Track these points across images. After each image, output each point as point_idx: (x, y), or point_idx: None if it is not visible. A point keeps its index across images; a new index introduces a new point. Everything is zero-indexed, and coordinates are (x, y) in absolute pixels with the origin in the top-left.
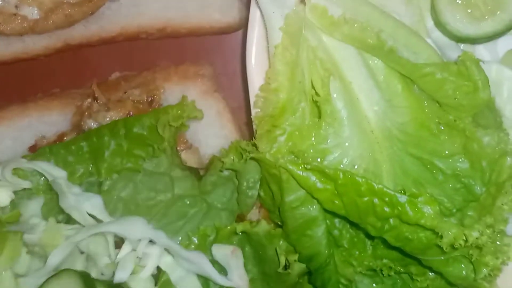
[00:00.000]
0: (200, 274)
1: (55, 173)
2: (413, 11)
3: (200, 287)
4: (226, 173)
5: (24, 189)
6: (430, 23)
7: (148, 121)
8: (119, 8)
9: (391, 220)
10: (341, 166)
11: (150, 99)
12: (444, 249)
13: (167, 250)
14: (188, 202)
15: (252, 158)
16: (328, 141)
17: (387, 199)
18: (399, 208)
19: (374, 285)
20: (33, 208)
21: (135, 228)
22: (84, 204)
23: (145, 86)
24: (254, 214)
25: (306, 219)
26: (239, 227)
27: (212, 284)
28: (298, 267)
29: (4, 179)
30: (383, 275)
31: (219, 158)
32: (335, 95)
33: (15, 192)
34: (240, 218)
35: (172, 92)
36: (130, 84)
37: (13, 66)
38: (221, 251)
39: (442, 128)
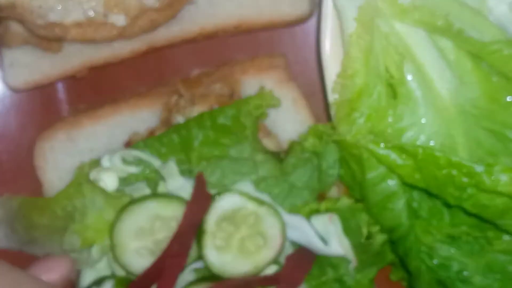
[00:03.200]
0: (300, 242)
1: (154, 161)
2: None
3: None
4: (305, 155)
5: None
6: (490, 2)
7: (231, 112)
8: (197, 10)
9: (469, 189)
10: (418, 142)
11: (230, 92)
12: None
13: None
14: (271, 183)
15: (333, 141)
16: (405, 120)
17: (464, 170)
18: (477, 178)
19: (452, 251)
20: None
21: (245, 190)
22: (187, 185)
23: (224, 80)
24: (333, 191)
25: (387, 194)
26: (323, 205)
27: None
28: (380, 237)
29: (114, 165)
30: (461, 241)
31: (299, 142)
32: (409, 77)
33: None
34: (321, 196)
35: (249, 84)
36: (211, 79)
37: (103, 70)
38: (320, 220)
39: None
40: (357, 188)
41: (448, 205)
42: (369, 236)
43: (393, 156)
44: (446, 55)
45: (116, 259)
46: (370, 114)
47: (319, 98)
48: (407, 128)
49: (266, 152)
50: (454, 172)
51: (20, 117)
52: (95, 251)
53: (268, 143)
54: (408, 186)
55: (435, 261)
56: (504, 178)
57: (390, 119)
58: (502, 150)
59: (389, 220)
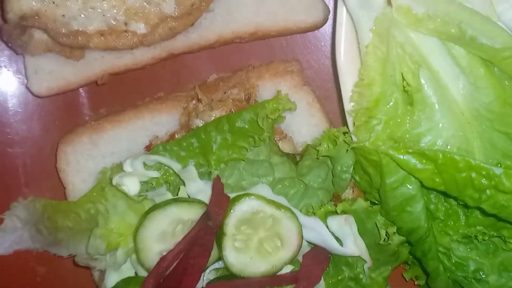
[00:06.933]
0: (316, 242)
1: (173, 166)
2: None
3: None
4: (319, 157)
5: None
6: (499, 7)
7: (248, 115)
8: (214, 18)
9: (488, 191)
10: (436, 146)
11: (247, 97)
12: None
13: None
14: (287, 184)
15: (352, 148)
16: (422, 125)
17: (484, 172)
18: (496, 179)
19: (469, 250)
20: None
21: (262, 192)
22: (206, 188)
23: (241, 85)
24: (347, 193)
25: (406, 197)
26: (340, 207)
27: None
28: (397, 238)
29: (135, 170)
30: (477, 240)
31: (313, 146)
32: (425, 84)
33: None
34: (335, 196)
35: (265, 88)
36: (227, 84)
37: (124, 76)
38: (336, 221)
39: None
40: (374, 193)
41: (464, 206)
42: (386, 237)
43: (413, 161)
44: (459, 62)
45: (140, 262)
46: (388, 121)
47: (333, 101)
48: (425, 133)
49: (282, 154)
50: (474, 174)
51: (43, 122)
52: (119, 254)
53: (284, 146)
54: (426, 189)
55: (452, 261)
56: None
57: (407, 125)
58: None
59: (408, 222)
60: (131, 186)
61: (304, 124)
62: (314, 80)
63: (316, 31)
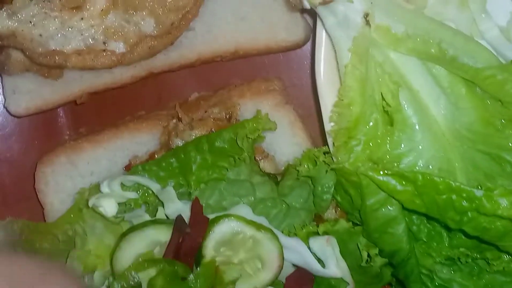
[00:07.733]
0: (298, 264)
1: (152, 186)
2: (467, 16)
3: None
4: (301, 177)
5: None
6: (482, 26)
7: (228, 135)
8: (195, 37)
9: (469, 213)
10: (417, 168)
11: (228, 116)
12: None
13: None
14: (269, 204)
15: (332, 169)
16: (402, 146)
17: (464, 194)
18: (477, 202)
19: (452, 273)
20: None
21: (243, 213)
22: (186, 209)
23: (222, 104)
24: (330, 213)
25: (387, 219)
26: (321, 228)
27: None
28: (379, 260)
29: (113, 191)
30: (461, 262)
31: (294, 166)
32: (405, 104)
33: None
34: (318, 217)
35: (247, 107)
36: (208, 103)
37: (103, 95)
38: (317, 242)
39: (506, 123)
40: (355, 213)
41: (447, 228)
42: (369, 259)
43: (393, 182)
44: (440, 82)
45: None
46: (367, 141)
47: (315, 120)
48: (405, 154)
49: (263, 174)
50: (454, 197)
51: (22, 142)
52: (97, 276)
53: (266, 165)
54: (408, 210)
55: (436, 283)
56: (503, 202)
57: (387, 146)
58: (499, 172)
59: (390, 244)
60: (108, 207)
61: (286, 143)
62: (296, 98)
63: (298, 49)
